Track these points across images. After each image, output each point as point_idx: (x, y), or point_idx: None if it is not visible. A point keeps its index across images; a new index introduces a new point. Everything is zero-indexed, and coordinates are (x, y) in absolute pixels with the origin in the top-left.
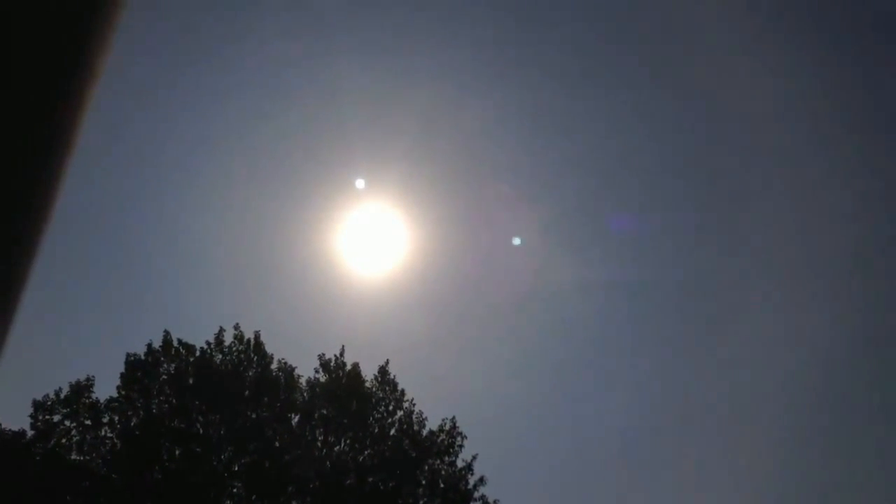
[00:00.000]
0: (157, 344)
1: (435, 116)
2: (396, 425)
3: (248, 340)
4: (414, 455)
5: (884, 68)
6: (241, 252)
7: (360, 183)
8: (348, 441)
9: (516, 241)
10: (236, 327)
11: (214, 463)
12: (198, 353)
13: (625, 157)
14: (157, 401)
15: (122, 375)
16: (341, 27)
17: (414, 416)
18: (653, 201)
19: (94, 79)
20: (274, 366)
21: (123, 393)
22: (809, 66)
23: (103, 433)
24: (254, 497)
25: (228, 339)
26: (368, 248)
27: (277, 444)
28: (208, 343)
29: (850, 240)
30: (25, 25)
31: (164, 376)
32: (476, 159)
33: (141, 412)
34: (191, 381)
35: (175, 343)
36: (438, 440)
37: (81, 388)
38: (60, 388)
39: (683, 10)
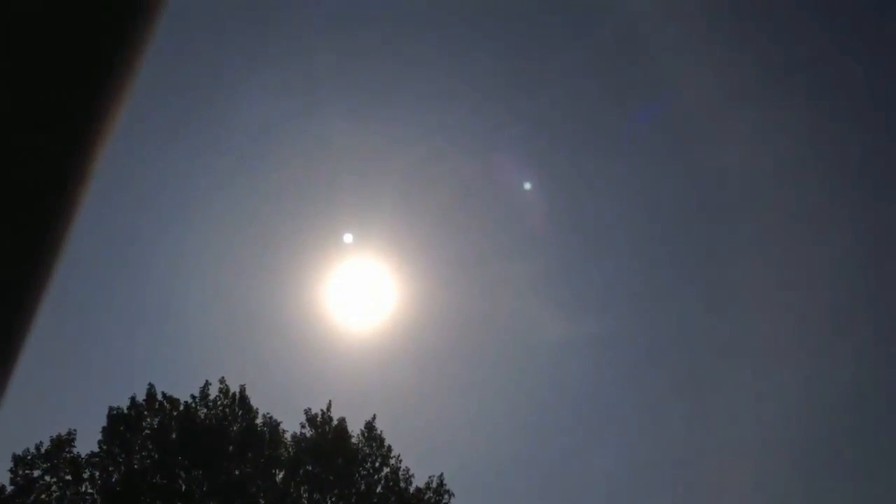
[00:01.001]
0: (140, 397)
1: (423, 172)
2: (383, 482)
3: (234, 394)
4: None
5: (868, 126)
6: (228, 306)
7: (347, 237)
8: (334, 498)
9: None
10: (222, 381)
11: None
12: (182, 407)
13: (610, 214)
14: (139, 456)
15: (104, 429)
16: (330, 84)
17: (401, 473)
18: (639, 258)
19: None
20: (259, 420)
21: (105, 447)
22: (794, 125)
23: (84, 489)
24: None
25: (214, 392)
26: (356, 303)
27: (262, 500)
28: (193, 397)
29: (832, 296)
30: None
31: (147, 431)
32: (463, 215)
33: (122, 467)
34: (174, 436)
35: (159, 397)
36: (425, 497)
37: (62, 442)
38: (41, 442)
39: (671, 68)
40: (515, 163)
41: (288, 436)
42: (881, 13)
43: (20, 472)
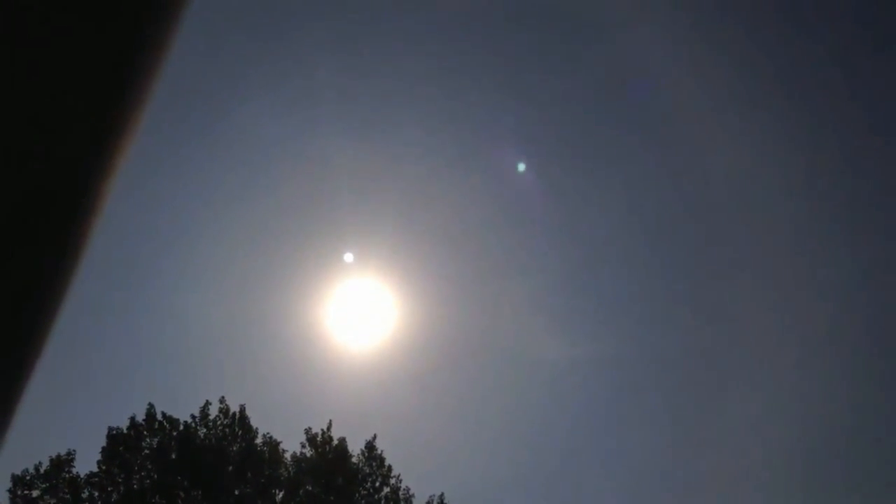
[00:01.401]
0: (140, 418)
1: (423, 191)
2: (383, 502)
3: (234, 414)
4: None
5: (867, 135)
6: (229, 325)
7: (348, 257)
8: None
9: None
10: (222, 401)
11: None
12: (182, 427)
13: (609, 231)
14: (138, 476)
15: (104, 450)
16: (331, 103)
17: (401, 493)
18: (637, 276)
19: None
20: (259, 440)
21: (104, 468)
22: (799, 143)
23: None
24: None
25: (214, 412)
26: (357, 322)
27: None
28: (193, 416)
29: (832, 308)
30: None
31: (147, 451)
32: (463, 234)
33: (122, 488)
34: (173, 456)
35: (159, 417)
36: None
37: (62, 463)
38: (40, 463)
39: (674, 84)
40: (515, 181)
41: (288, 455)
42: (875, 21)
43: (19, 493)
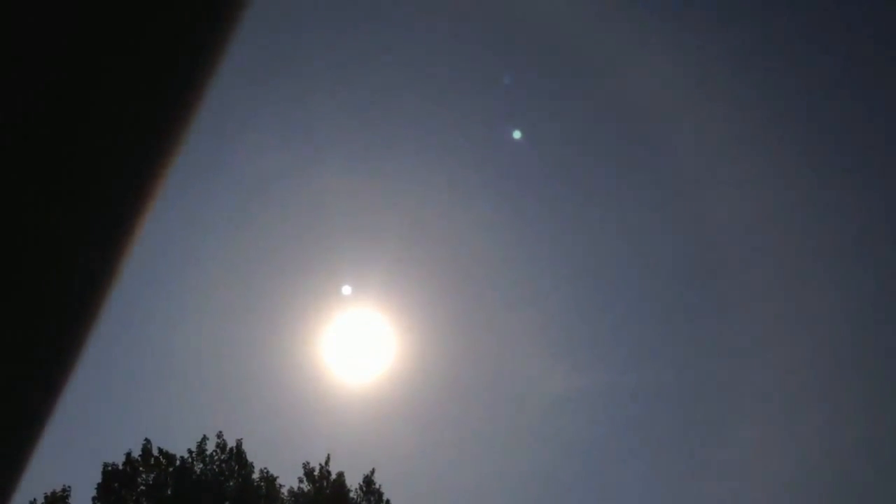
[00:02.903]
0: (136, 453)
1: (421, 224)
2: None
3: (231, 449)
4: None
5: (870, 175)
6: (226, 359)
7: (346, 289)
8: None
9: None
10: (219, 435)
11: None
12: (178, 463)
13: (615, 261)
14: None
15: (99, 486)
16: (328, 137)
17: None
18: (641, 309)
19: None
20: (255, 475)
21: None
22: (798, 177)
23: None
24: None
25: (211, 447)
26: (355, 355)
27: None
28: (190, 451)
29: (844, 343)
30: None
31: (143, 487)
32: (462, 266)
33: None
34: (169, 492)
35: (155, 452)
36: None
37: (57, 499)
38: (35, 499)
39: (674, 127)
40: (514, 215)
41: (285, 490)
42: (873, 58)
43: None
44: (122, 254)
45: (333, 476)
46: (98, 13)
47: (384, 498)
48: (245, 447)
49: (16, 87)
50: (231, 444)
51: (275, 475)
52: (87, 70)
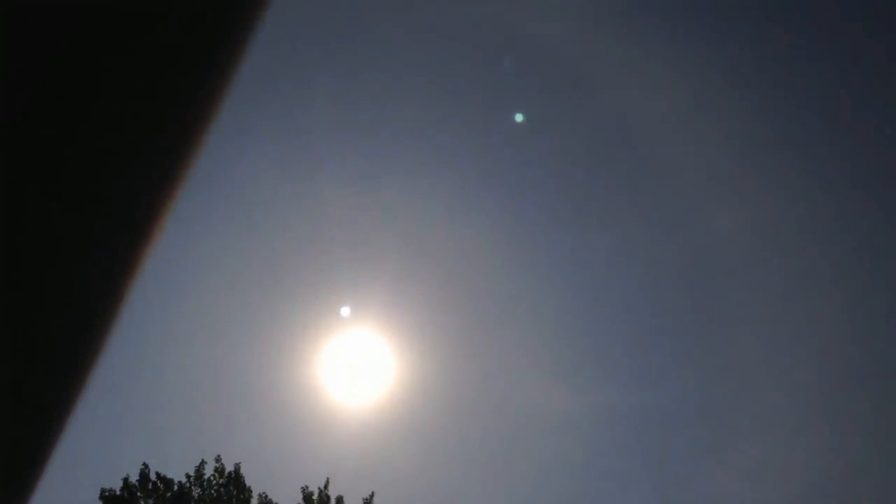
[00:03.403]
0: (134, 478)
1: (419, 243)
2: None
3: (229, 473)
4: None
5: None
6: (223, 382)
7: (344, 311)
8: None
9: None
10: (217, 459)
11: None
12: (176, 488)
13: (612, 284)
14: None
15: None
16: (326, 158)
17: None
18: (639, 328)
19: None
20: (254, 500)
21: None
22: (800, 197)
23: None
24: None
25: (209, 471)
26: (354, 376)
27: None
28: (188, 476)
29: (845, 367)
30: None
31: None
32: (462, 286)
33: None
34: None
35: (153, 477)
36: None
37: None
38: None
39: (672, 144)
40: (513, 230)
41: None
42: (873, 69)
43: None
44: (135, 260)
45: (333, 500)
46: (100, 10)
47: None
48: (244, 471)
49: (16, 87)
50: (229, 468)
51: (274, 500)
52: (88, 70)
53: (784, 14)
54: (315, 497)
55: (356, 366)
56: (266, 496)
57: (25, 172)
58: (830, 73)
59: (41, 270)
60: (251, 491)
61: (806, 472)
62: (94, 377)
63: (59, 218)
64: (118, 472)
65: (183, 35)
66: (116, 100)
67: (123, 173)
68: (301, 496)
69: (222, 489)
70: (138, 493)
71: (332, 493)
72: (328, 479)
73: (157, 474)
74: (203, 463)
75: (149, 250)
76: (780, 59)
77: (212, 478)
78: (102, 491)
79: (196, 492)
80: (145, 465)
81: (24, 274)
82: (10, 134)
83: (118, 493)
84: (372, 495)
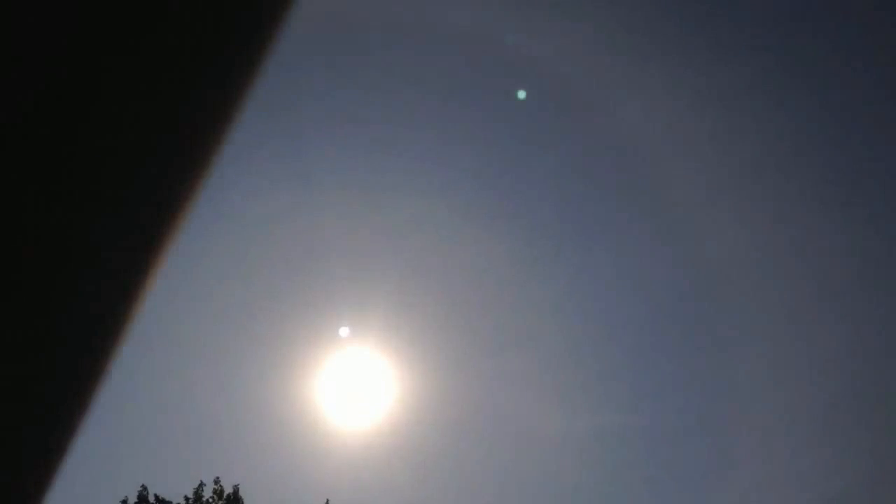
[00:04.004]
0: (132, 500)
1: (419, 264)
2: None
3: (228, 496)
4: None
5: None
6: (222, 404)
7: (344, 331)
8: None
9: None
10: (216, 481)
11: None
12: None
13: (613, 304)
14: None
15: None
16: (325, 179)
17: None
18: (641, 346)
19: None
20: None
21: None
22: (800, 218)
23: None
24: None
25: (208, 493)
26: (353, 398)
27: None
28: (187, 498)
29: (846, 384)
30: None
31: None
32: (463, 307)
33: None
34: None
35: (151, 499)
36: None
37: None
38: None
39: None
40: (514, 252)
41: None
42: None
43: None
44: (146, 266)
45: None
46: (102, 7)
47: None
48: (242, 493)
49: (16, 87)
50: (228, 490)
51: None
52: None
53: (794, 31)
54: None
55: (355, 386)
56: None
57: (25, 172)
58: (839, 90)
59: (42, 271)
60: None
61: (809, 491)
62: (96, 393)
63: (60, 218)
64: (116, 494)
65: (195, 34)
66: (117, 100)
67: (126, 174)
68: None
69: None
70: None
71: None
72: (328, 500)
73: (156, 496)
74: (202, 485)
75: (160, 255)
76: (788, 73)
77: (210, 500)
78: None
79: None
80: (144, 487)
81: (24, 274)
82: (10, 134)
83: None
84: None
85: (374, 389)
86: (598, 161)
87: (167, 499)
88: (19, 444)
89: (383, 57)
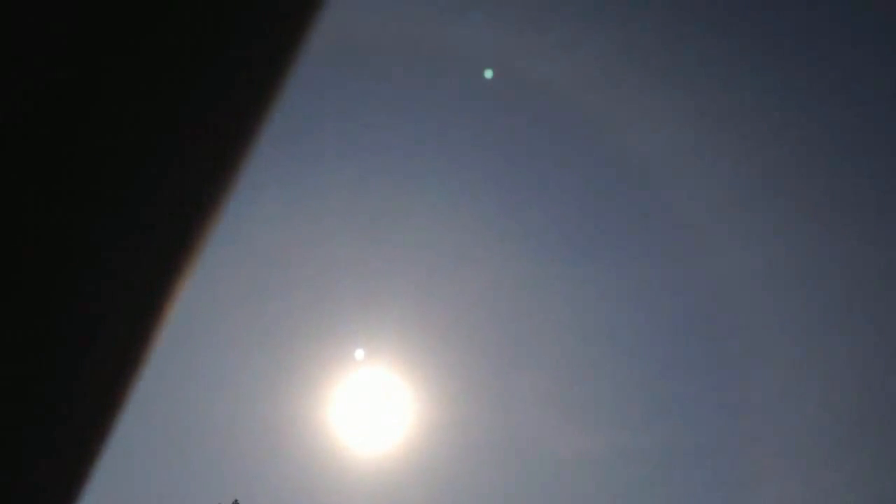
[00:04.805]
0: None
1: (434, 284)
2: None
3: None
4: None
5: (874, 237)
6: (236, 430)
7: (359, 354)
8: None
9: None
10: None
11: None
12: None
13: (624, 322)
14: None
15: None
16: (338, 207)
17: None
18: (652, 364)
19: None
20: None
21: None
22: (809, 234)
23: None
24: None
25: None
26: (369, 421)
27: None
28: None
29: (862, 398)
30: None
31: None
32: (478, 327)
33: None
34: None
35: None
36: None
37: None
38: None
39: (679, 185)
40: (526, 273)
41: None
42: (871, 113)
43: None
44: (162, 271)
45: None
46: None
47: None
48: None
49: (16, 87)
50: None
51: None
52: (90, 70)
53: (801, 47)
54: None
55: (370, 409)
56: None
57: (25, 172)
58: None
59: (42, 271)
60: None
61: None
62: (126, 398)
63: (60, 218)
64: None
65: (195, 34)
66: (117, 100)
67: (126, 174)
68: None
69: None
70: None
71: None
72: None
73: None
74: None
75: (167, 259)
76: (795, 89)
77: None
78: None
79: None
80: None
81: (24, 274)
82: (10, 134)
83: None
84: None
85: (391, 412)
86: (611, 179)
87: None
88: (19, 444)
89: (401, 78)
